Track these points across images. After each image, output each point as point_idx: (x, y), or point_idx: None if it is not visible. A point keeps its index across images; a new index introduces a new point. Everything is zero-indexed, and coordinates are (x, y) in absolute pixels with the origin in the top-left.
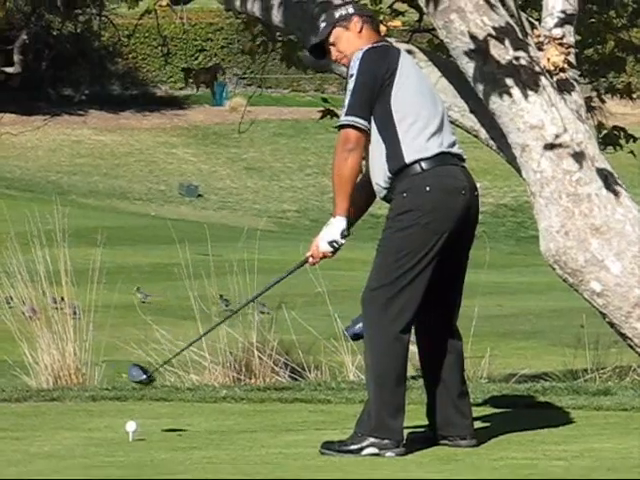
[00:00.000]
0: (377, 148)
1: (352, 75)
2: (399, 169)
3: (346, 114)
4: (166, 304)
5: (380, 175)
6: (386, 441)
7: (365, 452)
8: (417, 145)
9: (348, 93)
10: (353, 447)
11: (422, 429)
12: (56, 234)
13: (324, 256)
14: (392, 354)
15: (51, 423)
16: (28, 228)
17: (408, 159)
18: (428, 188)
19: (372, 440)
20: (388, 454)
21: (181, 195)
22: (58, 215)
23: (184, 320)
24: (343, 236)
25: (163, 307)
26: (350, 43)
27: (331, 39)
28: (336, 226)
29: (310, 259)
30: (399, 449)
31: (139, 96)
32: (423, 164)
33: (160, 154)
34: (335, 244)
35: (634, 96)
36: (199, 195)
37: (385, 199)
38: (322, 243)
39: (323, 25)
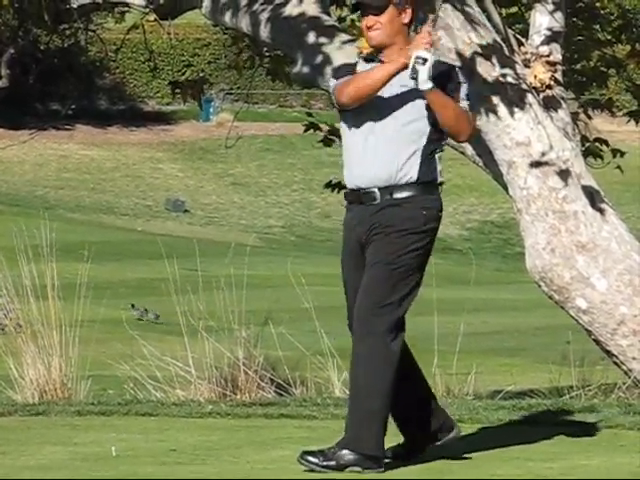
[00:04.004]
0: None
1: None
2: None
3: None
4: (153, 319)
5: None
6: (367, 455)
7: (348, 466)
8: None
9: None
10: (334, 462)
11: (402, 444)
12: (43, 249)
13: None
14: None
15: (37, 437)
16: (15, 242)
17: None
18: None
19: (352, 455)
20: (369, 469)
21: (167, 210)
22: (45, 230)
23: (170, 335)
24: None
25: (150, 322)
26: None
27: None
28: None
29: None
30: (380, 467)
31: (126, 111)
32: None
33: (147, 169)
34: None
35: (616, 112)
36: (185, 210)
37: None
38: None
39: None
